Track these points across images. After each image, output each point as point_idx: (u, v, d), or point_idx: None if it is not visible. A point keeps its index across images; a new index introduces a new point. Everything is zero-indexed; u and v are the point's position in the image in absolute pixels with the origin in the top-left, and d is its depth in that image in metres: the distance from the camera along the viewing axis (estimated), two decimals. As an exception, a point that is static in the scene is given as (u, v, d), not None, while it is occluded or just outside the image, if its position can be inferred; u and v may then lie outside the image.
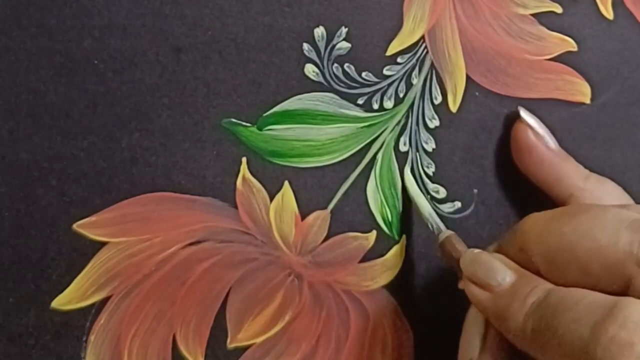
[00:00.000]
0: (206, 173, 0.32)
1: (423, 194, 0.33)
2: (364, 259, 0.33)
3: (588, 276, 0.25)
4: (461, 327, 0.33)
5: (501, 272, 0.27)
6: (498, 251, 0.29)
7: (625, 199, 0.32)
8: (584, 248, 0.25)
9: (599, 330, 0.23)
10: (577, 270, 0.26)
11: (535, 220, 0.28)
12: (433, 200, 0.34)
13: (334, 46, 0.33)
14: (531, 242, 0.27)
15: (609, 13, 0.36)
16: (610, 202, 0.31)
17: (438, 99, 0.34)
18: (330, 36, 0.33)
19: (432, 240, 0.34)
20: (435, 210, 0.34)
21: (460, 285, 0.30)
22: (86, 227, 0.31)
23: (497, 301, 0.27)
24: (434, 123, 0.34)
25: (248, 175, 0.32)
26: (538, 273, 0.27)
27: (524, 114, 0.33)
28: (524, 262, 0.27)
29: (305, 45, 0.33)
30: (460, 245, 0.30)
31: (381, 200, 0.34)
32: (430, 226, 0.32)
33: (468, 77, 0.34)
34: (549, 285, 0.26)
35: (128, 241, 0.32)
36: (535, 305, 0.25)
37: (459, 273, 0.29)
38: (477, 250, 0.29)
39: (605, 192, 0.32)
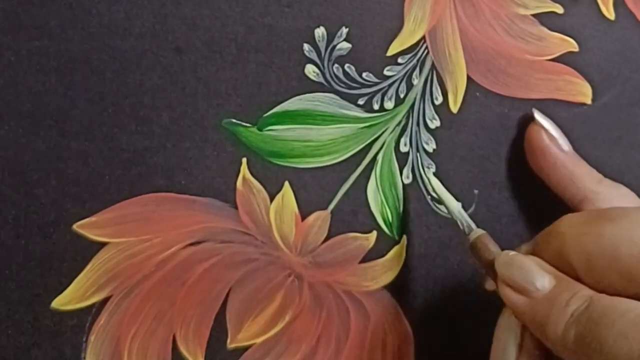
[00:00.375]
0: (206, 173, 0.32)
1: (450, 193, 0.32)
2: (364, 260, 0.33)
3: (630, 282, 0.25)
4: (461, 327, 0.34)
5: (539, 276, 0.27)
6: (533, 253, 0.28)
7: (638, 202, 0.32)
8: (626, 253, 0.25)
9: None
10: (619, 276, 0.25)
11: (571, 222, 0.27)
12: (433, 200, 0.34)
13: (334, 46, 0.33)
14: (569, 245, 0.26)
15: (610, 13, 0.36)
16: (623, 205, 0.31)
17: (439, 100, 0.34)
18: (330, 36, 0.33)
19: (432, 241, 0.34)
20: (436, 211, 0.34)
21: (488, 287, 0.30)
22: (86, 227, 0.31)
23: (536, 307, 0.26)
24: (434, 123, 0.34)
25: (248, 175, 0.32)
26: (576, 277, 0.26)
27: (538, 116, 0.33)
28: (561, 265, 0.27)
29: (306, 46, 0.33)
30: (492, 246, 0.29)
31: (381, 201, 0.33)
32: (460, 224, 0.31)
33: (469, 78, 0.34)
34: (589, 292, 0.25)
35: (128, 241, 0.32)
36: (577, 314, 0.25)
37: (490, 274, 0.29)
38: (512, 252, 0.28)
39: (619, 195, 0.32)
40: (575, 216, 0.28)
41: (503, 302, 0.28)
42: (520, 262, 0.27)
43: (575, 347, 0.24)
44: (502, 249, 0.29)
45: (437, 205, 0.34)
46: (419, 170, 0.34)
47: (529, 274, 0.27)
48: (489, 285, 0.30)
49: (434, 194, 0.33)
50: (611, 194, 0.32)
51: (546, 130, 0.33)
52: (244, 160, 0.32)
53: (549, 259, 0.27)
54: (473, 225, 0.31)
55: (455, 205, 0.31)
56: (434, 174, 0.34)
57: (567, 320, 0.25)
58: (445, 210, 0.32)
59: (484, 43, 0.35)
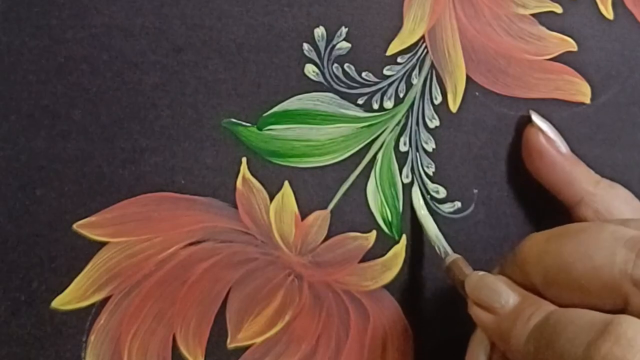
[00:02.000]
0: (206, 173, 0.32)
1: (431, 214, 0.33)
2: (364, 259, 0.33)
3: (587, 296, 0.25)
4: (461, 327, 0.34)
5: (504, 294, 0.27)
6: (502, 273, 0.29)
7: (636, 204, 0.32)
8: (581, 268, 0.26)
9: (593, 348, 0.23)
10: (576, 291, 0.26)
11: (535, 241, 0.28)
12: (433, 200, 0.34)
13: (334, 46, 0.33)
14: (530, 264, 0.27)
15: (609, 13, 0.36)
16: (620, 206, 0.31)
17: (438, 99, 0.34)
18: (330, 36, 0.33)
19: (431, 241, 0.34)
20: (435, 210, 0.34)
21: (469, 310, 0.30)
22: (86, 227, 0.31)
23: (501, 323, 0.27)
24: (434, 123, 0.34)
25: (248, 175, 0.32)
26: (540, 294, 0.27)
27: (535, 117, 0.33)
28: (525, 283, 0.28)
29: (305, 45, 0.33)
30: (466, 269, 0.30)
31: (381, 200, 0.33)
32: (437, 249, 0.32)
33: (468, 77, 0.34)
34: (551, 307, 0.26)
35: (128, 241, 0.32)
36: (536, 326, 0.25)
37: (464, 295, 0.30)
38: (481, 273, 0.29)
39: (616, 196, 0.32)
40: (539, 234, 0.28)
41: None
42: (487, 281, 0.28)
43: (535, 356, 0.25)
44: (475, 269, 0.30)
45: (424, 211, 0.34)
46: (418, 169, 0.34)
47: (495, 293, 0.28)
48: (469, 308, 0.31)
49: (415, 213, 0.33)
50: (608, 196, 0.32)
51: (543, 132, 0.33)
52: (244, 159, 0.33)
53: (514, 278, 0.28)
54: (449, 249, 0.32)
55: (433, 230, 0.32)
56: (433, 173, 0.34)
57: (528, 333, 0.26)
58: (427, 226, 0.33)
59: (483, 43, 0.35)
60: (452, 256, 0.31)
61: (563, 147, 0.33)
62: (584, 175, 0.32)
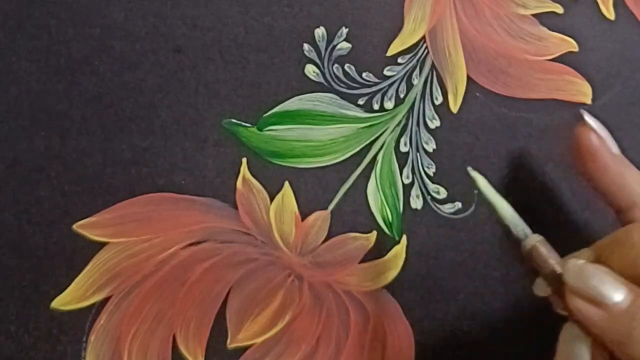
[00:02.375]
0: (206, 173, 0.32)
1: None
2: (364, 260, 0.33)
3: None
4: (461, 327, 0.34)
5: (617, 289, 0.25)
6: (600, 261, 0.27)
7: None
8: None
9: None
10: None
11: None
12: (433, 200, 0.34)
13: (334, 46, 0.33)
14: None
15: (610, 13, 0.36)
16: None
17: (439, 100, 0.34)
18: (330, 36, 0.33)
19: (432, 241, 0.34)
20: (436, 210, 0.34)
21: (538, 292, 0.29)
22: (86, 227, 0.31)
23: (615, 321, 0.25)
24: (434, 123, 0.34)
25: (248, 175, 0.32)
26: None
27: (587, 117, 0.31)
28: (631, 277, 0.26)
29: (306, 46, 0.33)
30: (551, 253, 0.28)
31: (381, 201, 0.33)
32: (513, 230, 0.29)
33: (469, 78, 0.34)
34: None
35: (128, 241, 0.32)
36: None
37: (551, 282, 0.28)
38: (581, 261, 0.27)
39: None
40: None
41: (556, 310, 0.28)
42: (592, 272, 0.26)
43: None
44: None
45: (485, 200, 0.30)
46: (419, 170, 0.34)
47: (605, 286, 0.25)
48: (540, 290, 0.29)
49: (481, 195, 0.30)
50: None
51: (596, 132, 0.31)
52: (244, 160, 0.32)
53: (620, 269, 0.26)
54: (528, 230, 0.29)
55: (507, 210, 0.29)
56: (434, 173, 0.34)
57: None
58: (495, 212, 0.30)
59: (484, 43, 0.35)
60: (533, 237, 0.28)
61: (614, 147, 0.31)
62: (636, 178, 0.30)
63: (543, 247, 0.28)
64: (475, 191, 0.32)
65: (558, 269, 0.27)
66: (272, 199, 0.33)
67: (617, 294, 0.25)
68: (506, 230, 0.29)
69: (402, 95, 0.34)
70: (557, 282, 0.27)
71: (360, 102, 0.33)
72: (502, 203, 0.29)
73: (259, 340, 0.32)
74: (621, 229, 0.27)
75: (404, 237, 0.34)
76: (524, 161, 0.35)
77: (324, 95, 0.33)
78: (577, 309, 0.26)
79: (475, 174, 0.30)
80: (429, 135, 0.34)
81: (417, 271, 0.34)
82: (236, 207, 0.32)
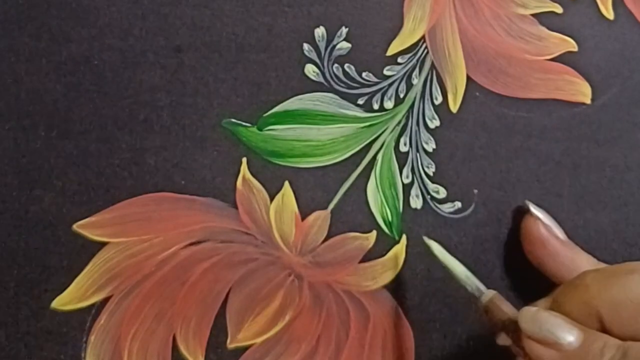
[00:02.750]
0: (206, 173, 0.32)
1: (454, 257, 0.32)
2: (364, 259, 0.33)
3: None
4: (461, 326, 0.33)
5: (568, 329, 0.27)
6: (551, 308, 0.29)
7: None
8: None
9: None
10: None
11: (595, 276, 0.28)
12: (433, 200, 0.34)
13: (334, 46, 0.33)
14: (595, 296, 0.27)
15: (609, 13, 0.36)
16: None
17: (438, 99, 0.34)
18: (330, 36, 0.33)
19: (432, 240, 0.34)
20: (436, 211, 0.34)
21: (501, 342, 0.30)
22: (86, 227, 0.31)
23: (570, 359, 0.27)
24: (434, 123, 0.34)
25: (248, 175, 0.32)
26: (598, 329, 0.27)
27: (533, 208, 0.33)
28: (584, 318, 0.28)
29: (306, 46, 0.33)
30: (505, 306, 0.30)
31: (381, 201, 0.33)
32: (469, 288, 0.31)
33: (468, 77, 0.34)
34: (618, 341, 0.26)
35: (128, 241, 0.32)
36: None
37: (507, 332, 0.29)
38: (534, 308, 0.29)
39: None
40: (595, 271, 0.28)
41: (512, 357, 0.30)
42: (546, 316, 0.28)
43: None
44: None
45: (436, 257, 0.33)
46: (418, 170, 0.34)
47: (558, 328, 0.27)
48: (502, 340, 0.30)
49: (436, 259, 0.32)
50: None
51: (542, 221, 0.33)
52: (244, 160, 0.33)
53: (570, 313, 0.28)
54: (482, 287, 0.31)
55: (461, 271, 0.31)
56: (434, 173, 0.34)
57: None
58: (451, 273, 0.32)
59: (483, 43, 0.35)
60: (488, 294, 0.30)
61: (560, 233, 0.33)
62: (585, 261, 0.32)
63: (498, 300, 0.30)
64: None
65: (514, 318, 0.29)
66: (272, 198, 0.33)
67: (569, 334, 0.27)
68: (464, 289, 0.31)
69: (401, 95, 0.34)
70: (515, 330, 0.29)
71: (360, 101, 0.33)
72: (456, 265, 0.32)
73: (259, 340, 0.32)
74: (576, 276, 0.29)
75: (404, 237, 0.34)
76: (523, 161, 0.35)
77: (323, 95, 0.33)
78: (534, 353, 0.28)
79: (429, 241, 0.32)
80: (428, 135, 0.34)
81: (417, 271, 0.34)
82: (236, 207, 0.32)
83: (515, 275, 0.34)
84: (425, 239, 0.32)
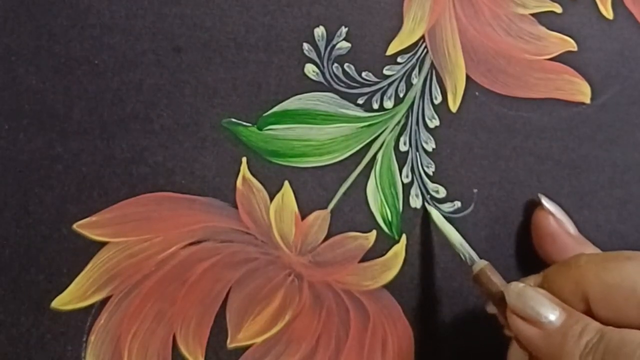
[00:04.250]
0: (206, 173, 0.32)
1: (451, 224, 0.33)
2: (364, 259, 0.33)
3: None
4: (461, 326, 0.34)
5: (551, 308, 0.28)
6: (541, 286, 0.29)
7: None
8: None
9: None
10: (636, 308, 0.27)
11: (590, 258, 0.28)
12: (433, 200, 0.34)
13: (334, 46, 0.33)
14: (588, 277, 0.28)
15: (608, 13, 0.36)
16: None
17: (438, 99, 0.34)
18: (330, 36, 0.33)
19: (432, 240, 0.34)
20: (427, 203, 0.34)
21: (490, 310, 0.31)
22: (86, 227, 0.31)
23: (549, 338, 0.27)
24: (434, 123, 0.34)
25: (248, 175, 0.33)
26: (584, 312, 0.28)
27: (545, 201, 0.34)
28: (572, 298, 0.28)
29: (305, 45, 0.33)
30: (495, 277, 0.30)
31: (381, 200, 0.34)
32: (462, 256, 0.32)
33: (468, 77, 0.34)
34: (599, 325, 0.27)
35: (128, 241, 0.32)
36: (591, 344, 0.26)
37: (495, 303, 0.30)
38: (521, 284, 0.29)
39: None
40: (592, 254, 0.29)
41: (500, 327, 0.30)
42: (531, 294, 0.28)
43: None
44: (506, 279, 0.30)
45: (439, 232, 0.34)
46: (418, 169, 0.34)
47: (542, 306, 0.28)
48: (491, 309, 0.31)
49: (435, 227, 0.33)
50: None
51: (554, 215, 0.33)
52: (244, 159, 0.33)
53: (559, 292, 0.29)
54: (475, 256, 0.31)
55: (456, 238, 0.32)
56: (433, 173, 0.34)
57: (581, 351, 0.26)
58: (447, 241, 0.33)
59: (483, 42, 0.35)
60: (480, 263, 0.31)
61: (572, 228, 0.33)
62: None
63: (489, 272, 0.30)
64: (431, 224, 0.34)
65: (501, 291, 0.29)
66: (272, 198, 0.33)
67: (552, 313, 0.28)
68: (458, 257, 0.32)
69: (401, 95, 0.34)
70: (501, 303, 0.29)
71: (360, 101, 0.34)
72: (453, 233, 0.32)
73: (259, 339, 0.32)
74: (571, 256, 0.29)
75: (404, 237, 0.34)
76: (522, 160, 0.35)
77: (323, 94, 0.33)
78: (517, 328, 0.28)
79: (430, 208, 0.33)
80: (428, 134, 0.34)
81: (417, 270, 0.34)
82: (236, 207, 0.32)
83: (515, 274, 0.34)
84: (427, 205, 0.33)
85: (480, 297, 0.33)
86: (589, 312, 0.28)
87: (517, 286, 0.29)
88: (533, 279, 0.30)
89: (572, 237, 0.33)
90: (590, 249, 0.33)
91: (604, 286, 0.27)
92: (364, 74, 0.34)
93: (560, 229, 0.33)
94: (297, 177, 0.33)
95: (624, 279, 0.27)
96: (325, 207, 0.33)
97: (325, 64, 0.33)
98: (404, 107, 0.34)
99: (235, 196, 0.32)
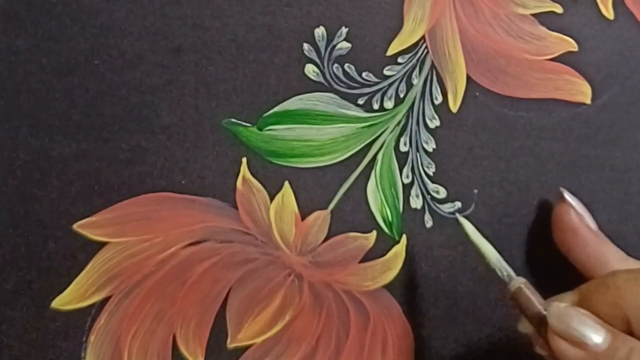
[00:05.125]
0: (206, 173, 0.32)
1: (486, 239, 0.32)
2: (364, 259, 0.33)
3: None
4: (461, 327, 0.34)
5: (596, 330, 0.27)
6: (579, 304, 0.29)
7: None
8: None
9: None
10: None
11: (628, 277, 0.28)
12: (433, 200, 0.34)
13: (334, 46, 0.33)
14: (627, 298, 0.27)
15: (609, 13, 0.36)
16: None
17: (438, 99, 0.34)
18: (330, 36, 0.33)
19: (432, 240, 0.34)
20: (436, 210, 0.34)
21: (522, 328, 0.30)
22: (86, 227, 0.31)
23: None
24: (434, 123, 0.34)
25: (248, 175, 0.32)
26: (626, 332, 0.27)
27: (567, 195, 0.33)
28: (613, 318, 0.28)
29: (306, 45, 0.33)
30: (534, 295, 0.29)
31: (381, 201, 0.33)
32: (499, 272, 0.30)
33: (468, 77, 0.34)
34: None
35: (128, 241, 0.32)
36: None
37: (532, 322, 0.29)
38: (563, 304, 0.28)
39: None
40: (629, 271, 0.28)
41: (529, 344, 0.30)
42: (574, 315, 0.28)
43: None
44: (544, 297, 0.29)
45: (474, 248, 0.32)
46: (418, 169, 0.34)
47: (586, 328, 0.27)
48: (523, 327, 0.30)
49: (468, 239, 0.32)
50: None
51: (575, 210, 0.33)
52: (244, 160, 0.33)
53: (597, 312, 0.28)
54: (512, 273, 0.30)
55: (493, 254, 0.31)
56: (434, 173, 0.34)
57: None
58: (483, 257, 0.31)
59: (483, 43, 0.35)
60: (517, 280, 0.30)
61: (592, 224, 0.33)
62: (613, 253, 0.32)
63: (527, 290, 0.29)
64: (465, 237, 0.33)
65: (541, 311, 0.29)
66: (272, 198, 0.33)
67: (597, 335, 0.27)
68: (493, 273, 0.31)
69: (401, 95, 0.34)
70: (539, 323, 0.29)
71: (360, 101, 0.34)
72: (488, 248, 0.31)
73: (259, 340, 0.32)
74: (608, 273, 0.29)
75: (404, 237, 0.34)
76: (523, 160, 0.35)
77: (323, 95, 0.33)
78: (559, 350, 0.27)
79: (463, 220, 0.32)
80: (428, 134, 0.34)
81: (417, 271, 0.34)
82: (236, 207, 0.32)
83: (516, 275, 0.34)
84: (459, 217, 0.32)
85: (486, 301, 0.33)
86: (629, 333, 0.27)
87: (559, 307, 0.28)
88: (569, 297, 0.30)
89: (593, 233, 0.33)
90: (610, 247, 0.32)
91: None
92: (364, 74, 0.34)
93: (582, 224, 0.33)
94: (297, 177, 0.33)
95: None
96: (326, 208, 0.33)
97: (325, 64, 0.33)
98: (404, 108, 0.34)
99: (235, 196, 0.32)
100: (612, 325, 0.27)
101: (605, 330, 0.27)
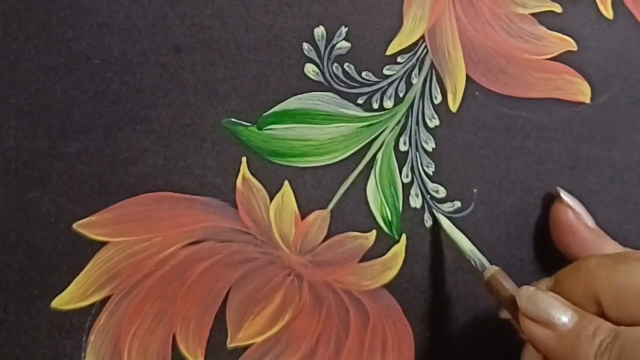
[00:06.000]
0: (206, 173, 0.32)
1: (463, 233, 0.33)
2: (364, 259, 0.33)
3: None
4: (461, 326, 0.34)
5: (563, 310, 0.28)
6: (553, 289, 0.30)
7: None
8: None
9: None
10: None
11: (601, 261, 0.29)
12: (433, 200, 0.34)
13: (334, 46, 0.33)
14: (599, 280, 0.28)
15: (609, 13, 0.36)
16: None
17: (438, 99, 0.34)
18: (330, 36, 0.33)
19: (434, 241, 0.34)
20: (436, 211, 0.34)
21: (503, 316, 0.31)
22: (86, 227, 0.31)
23: (563, 340, 0.27)
24: (434, 123, 0.34)
25: (248, 175, 0.33)
26: (596, 314, 0.28)
27: (564, 194, 0.34)
28: (584, 301, 0.28)
29: (306, 45, 0.33)
30: (507, 282, 0.31)
31: (381, 200, 0.34)
32: (473, 263, 0.32)
33: (468, 77, 0.34)
34: (611, 325, 0.27)
35: (128, 241, 0.32)
36: (605, 344, 0.26)
37: (508, 308, 0.30)
38: (532, 288, 0.29)
39: None
40: (603, 256, 0.29)
41: (514, 332, 0.30)
42: (543, 297, 0.29)
43: None
44: (518, 284, 0.30)
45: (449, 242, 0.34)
46: (418, 169, 0.34)
47: (554, 309, 0.28)
48: (504, 314, 0.31)
49: (445, 234, 0.34)
50: None
51: (572, 209, 0.33)
52: (244, 159, 0.33)
53: (571, 295, 0.29)
54: (487, 262, 0.32)
55: (467, 245, 0.32)
56: (433, 173, 0.34)
57: (596, 350, 0.26)
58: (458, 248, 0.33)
59: (483, 42, 0.35)
60: (491, 269, 0.31)
61: (590, 221, 0.33)
62: (612, 249, 0.33)
63: (500, 277, 0.31)
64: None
65: (513, 295, 0.30)
66: (272, 198, 0.33)
67: (564, 316, 0.28)
68: (468, 263, 0.32)
69: (401, 95, 0.34)
70: (514, 307, 0.29)
71: (360, 101, 0.34)
72: (463, 240, 0.33)
73: (259, 339, 0.32)
74: (581, 259, 0.30)
75: (404, 237, 0.34)
76: (522, 160, 0.35)
77: (323, 94, 0.33)
78: (530, 331, 0.28)
79: (440, 216, 0.34)
80: (428, 134, 0.34)
81: (417, 271, 0.34)
82: (236, 207, 0.32)
83: (516, 274, 0.34)
84: (436, 213, 0.33)
85: (486, 301, 0.34)
86: (601, 315, 0.28)
87: (528, 290, 0.29)
88: (545, 283, 0.31)
89: (591, 231, 0.33)
90: (610, 243, 0.33)
91: (615, 289, 0.27)
92: (364, 74, 0.34)
93: (579, 222, 0.33)
94: (297, 177, 0.33)
95: (635, 281, 0.27)
96: (326, 207, 0.33)
97: (325, 64, 0.33)
98: (404, 107, 0.34)
99: (235, 196, 0.32)
100: (585, 308, 0.28)
101: (572, 310, 0.28)
